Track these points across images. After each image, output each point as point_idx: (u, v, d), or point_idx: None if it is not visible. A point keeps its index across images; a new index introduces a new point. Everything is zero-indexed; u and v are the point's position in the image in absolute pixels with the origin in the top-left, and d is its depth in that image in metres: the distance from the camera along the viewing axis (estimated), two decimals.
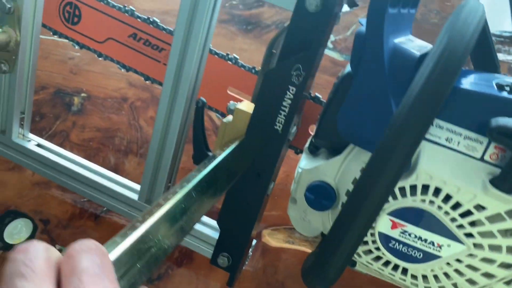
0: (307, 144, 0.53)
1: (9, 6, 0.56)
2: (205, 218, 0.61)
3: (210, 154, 0.53)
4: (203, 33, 0.51)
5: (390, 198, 0.44)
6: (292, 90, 0.44)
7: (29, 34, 0.59)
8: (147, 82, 0.69)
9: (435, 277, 0.46)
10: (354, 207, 0.37)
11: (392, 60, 0.43)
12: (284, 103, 0.45)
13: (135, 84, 0.85)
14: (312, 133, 0.64)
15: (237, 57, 0.64)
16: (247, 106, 0.49)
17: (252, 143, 0.47)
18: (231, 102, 0.49)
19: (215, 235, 0.59)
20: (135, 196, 0.61)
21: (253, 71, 0.63)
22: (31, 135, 0.67)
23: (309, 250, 0.67)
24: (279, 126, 0.46)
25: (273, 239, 0.67)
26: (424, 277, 0.46)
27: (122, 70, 0.69)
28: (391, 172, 0.36)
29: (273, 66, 0.59)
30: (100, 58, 0.70)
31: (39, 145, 0.66)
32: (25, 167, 0.66)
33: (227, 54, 0.64)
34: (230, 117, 0.49)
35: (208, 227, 0.60)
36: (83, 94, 0.84)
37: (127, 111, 0.82)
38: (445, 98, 0.35)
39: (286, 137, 0.47)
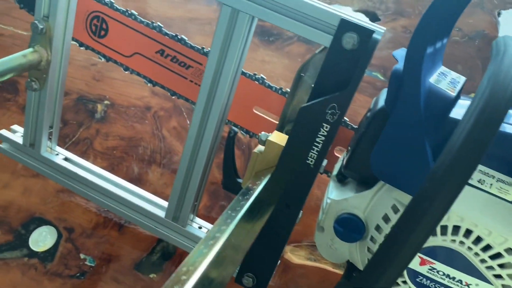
0: (335, 172, 0.53)
1: (41, 27, 0.56)
2: None
3: (240, 180, 0.54)
4: (237, 55, 0.51)
5: None
6: (326, 127, 0.45)
7: (59, 53, 0.59)
8: (173, 97, 0.70)
9: None
10: (391, 252, 0.38)
11: (428, 100, 0.43)
12: (317, 139, 0.45)
13: (158, 93, 0.85)
14: (338, 156, 0.65)
15: (264, 77, 0.64)
16: (278, 137, 0.49)
17: (283, 175, 0.48)
18: (263, 133, 0.50)
19: None
20: (161, 213, 0.62)
21: (280, 91, 0.64)
22: (58, 149, 0.68)
23: (330, 269, 0.68)
24: (311, 161, 0.47)
25: (295, 256, 0.69)
26: None
27: (149, 84, 0.70)
28: (429, 223, 0.36)
29: (303, 89, 0.59)
30: (127, 72, 0.70)
31: (66, 159, 0.67)
32: (53, 180, 0.68)
33: (254, 74, 0.64)
34: (261, 148, 0.50)
35: None
36: (106, 102, 0.84)
37: (150, 121, 0.83)
38: (486, 152, 0.35)
39: (318, 171, 0.47)
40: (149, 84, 0.70)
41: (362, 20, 0.45)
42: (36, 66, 0.58)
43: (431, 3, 0.40)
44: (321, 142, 0.45)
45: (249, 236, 0.40)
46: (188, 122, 0.84)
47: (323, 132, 0.45)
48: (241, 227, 0.39)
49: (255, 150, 0.50)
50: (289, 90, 0.64)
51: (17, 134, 0.68)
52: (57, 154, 0.67)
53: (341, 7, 0.99)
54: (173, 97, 0.70)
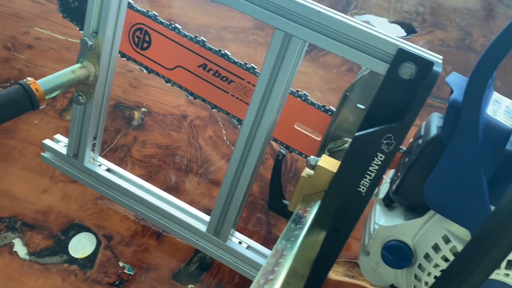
0: (381, 195, 0.53)
1: (90, 43, 0.57)
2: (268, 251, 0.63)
3: (286, 202, 0.54)
4: (288, 77, 0.51)
5: None
6: (381, 157, 0.44)
7: (106, 68, 0.60)
8: (213, 110, 0.70)
9: None
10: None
11: (486, 133, 0.42)
12: (370, 168, 0.45)
13: (193, 101, 0.86)
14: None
15: (307, 94, 0.64)
16: (327, 162, 0.49)
17: (333, 201, 0.48)
18: (312, 157, 0.50)
19: None
20: (203, 227, 0.63)
21: (322, 109, 0.63)
22: (100, 159, 0.69)
23: (368, 286, 0.68)
24: (363, 189, 0.46)
25: (333, 272, 0.69)
26: None
27: (190, 97, 0.70)
28: (489, 264, 0.36)
29: (347, 108, 0.59)
30: (168, 84, 0.71)
31: (108, 170, 0.68)
32: (95, 190, 0.69)
33: (297, 91, 0.64)
34: (310, 172, 0.50)
35: None
36: (143, 109, 0.85)
37: (186, 129, 0.83)
38: None
39: (369, 199, 0.47)
40: (190, 97, 0.70)
41: (419, 47, 0.45)
42: (84, 81, 0.58)
43: (495, 39, 0.40)
44: (375, 171, 0.45)
45: (306, 265, 0.41)
46: (224, 132, 0.85)
47: (377, 162, 0.45)
48: (298, 257, 0.39)
49: (303, 174, 0.50)
50: (329, 106, 0.64)
51: (60, 144, 0.69)
52: (99, 165, 0.68)
53: (377, 18, 0.98)
54: (214, 110, 0.70)
